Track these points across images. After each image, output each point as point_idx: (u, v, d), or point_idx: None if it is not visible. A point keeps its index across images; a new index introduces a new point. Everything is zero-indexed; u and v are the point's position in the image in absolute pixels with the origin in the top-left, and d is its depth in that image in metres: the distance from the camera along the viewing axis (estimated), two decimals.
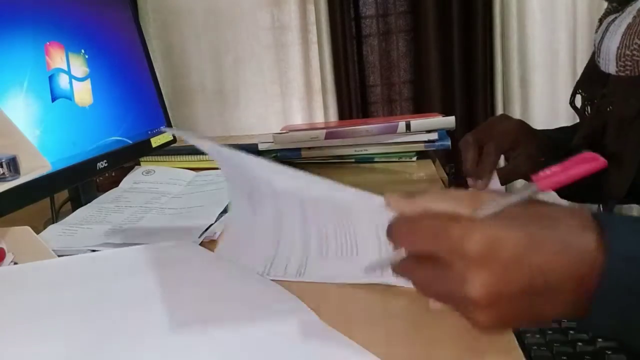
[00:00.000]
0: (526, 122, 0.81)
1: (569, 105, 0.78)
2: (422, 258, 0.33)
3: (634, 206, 0.65)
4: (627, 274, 0.29)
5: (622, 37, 0.58)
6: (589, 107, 0.72)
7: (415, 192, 0.36)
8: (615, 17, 0.61)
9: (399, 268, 0.35)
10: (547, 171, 0.32)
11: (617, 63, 0.59)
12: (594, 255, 0.30)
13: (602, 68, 0.63)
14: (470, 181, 0.74)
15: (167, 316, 0.40)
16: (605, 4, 0.69)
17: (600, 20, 0.67)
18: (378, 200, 0.37)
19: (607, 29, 0.62)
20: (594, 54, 0.70)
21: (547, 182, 0.32)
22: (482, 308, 0.31)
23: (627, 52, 0.57)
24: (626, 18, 0.59)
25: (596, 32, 0.67)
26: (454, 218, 0.32)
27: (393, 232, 0.34)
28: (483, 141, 0.76)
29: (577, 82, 0.76)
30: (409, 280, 0.34)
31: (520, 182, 0.86)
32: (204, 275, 0.47)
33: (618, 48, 0.58)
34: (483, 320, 0.31)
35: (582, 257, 0.30)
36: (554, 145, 0.80)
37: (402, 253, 0.35)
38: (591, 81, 0.70)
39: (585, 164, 0.32)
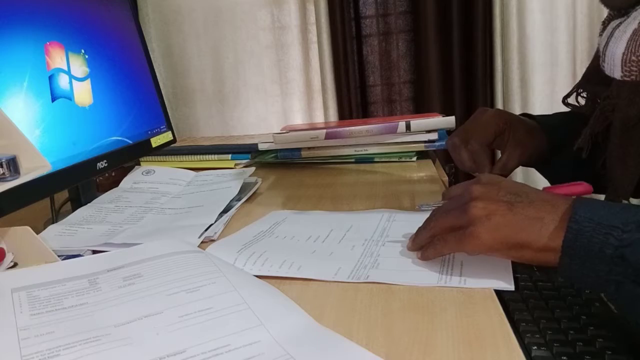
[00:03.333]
0: (505, 110, 0.83)
1: (562, 101, 0.79)
2: (448, 205, 0.51)
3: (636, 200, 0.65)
4: (581, 233, 0.41)
5: (627, 42, 0.58)
6: (590, 103, 0.73)
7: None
8: (620, 22, 0.61)
9: (432, 222, 0.51)
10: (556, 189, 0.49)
11: (622, 68, 0.59)
12: (562, 217, 0.43)
13: (607, 72, 0.63)
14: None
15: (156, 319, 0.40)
16: None
17: (604, 23, 0.66)
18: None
19: (612, 34, 0.62)
20: (596, 55, 0.70)
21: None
22: (483, 224, 0.45)
23: (633, 57, 0.57)
24: (632, 23, 0.59)
25: (600, 35, 0.67)
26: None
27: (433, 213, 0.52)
28: (467, 139, 0.79)
29: (578, 82, 0.76)
30: (437, 223, 0.50)
31: None
32: (196, 275, 0.47)
33: (624, 53, 0.58)
34: (480, 232, 0.45)
35: (554, 214, 0.44)
36: (546, 130, 0.81)
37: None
38: (594, 81, 0.70)
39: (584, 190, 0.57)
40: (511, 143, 0.79)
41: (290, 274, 0.50)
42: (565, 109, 0.81)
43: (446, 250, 0.49)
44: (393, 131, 1.03)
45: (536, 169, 0.89)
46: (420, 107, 1.62)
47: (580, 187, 0.58)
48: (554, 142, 0.81)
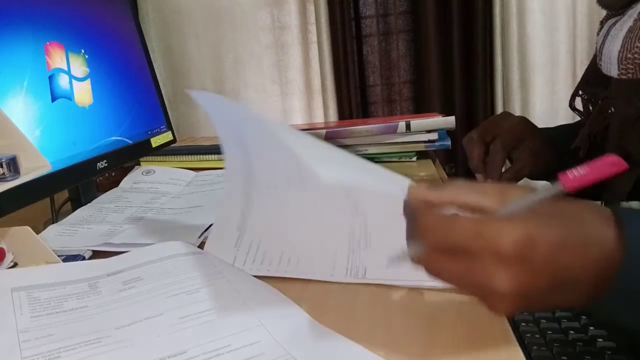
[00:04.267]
0: (528, 119, 0.82)
1: (569, 106, 0.79)
2: (449, 251, 0.33)
3: (634, 202, 0.64)
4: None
5: (623, 40, 0.58)
6: (591, 107, 0.72)
7: (440, 183, 0.35)
8: (616, 21, 0.61)
9: (423, 260, 0.35)
10: (575, 173, 0.34)
11: (619, 66, 0.59)
12: (612, 253, 0.32)
13: (604, 71, 0.63)
14: (479, 177, 0.75)
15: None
16: None
17: (602, 23, 0.67)
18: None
19: (608, 33, 0.62)
20: (595, 55, 0.70)
21: (574, 183, 0.33)
22: (507, 301, 0.32)
23: (629, 55, 0.57)
24: (627, 21, 0.59)
25: (598, 34, 0.67)
26: (487, 216, 0.34)
27: (420, 224, 0.34)
28: (487, 138, 0.78)
29: (578, 84, 0.76)
30: (433, 272, 0.35)
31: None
32: (195, 277, 0.47)
33: (620, 52, 0.58)
34: (504, 309, 0.33)
35: (603, 254, 0.32)
36: (554, 142, 0.81)
37: (420, 245, 0.34)
38: (593, 83, 0.70)
39: (611, 167, 0.34)
40: (528, 151, 0.77)
41: (289, 272, 0.50)
42: (567, 112, 0.81)
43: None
44: (393, 131, 1.03)
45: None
46: (420, 107, 1.62)
47: (617, 167, 0.41)
48: (558, 151, 0.81)
